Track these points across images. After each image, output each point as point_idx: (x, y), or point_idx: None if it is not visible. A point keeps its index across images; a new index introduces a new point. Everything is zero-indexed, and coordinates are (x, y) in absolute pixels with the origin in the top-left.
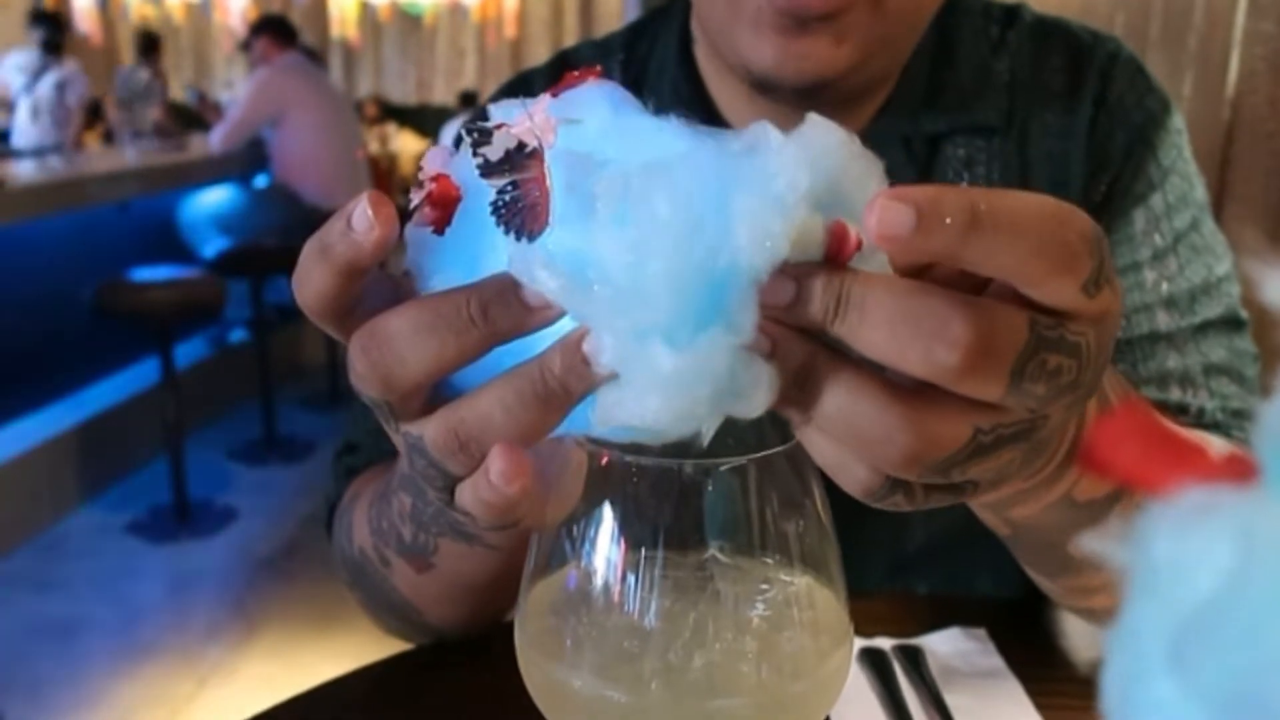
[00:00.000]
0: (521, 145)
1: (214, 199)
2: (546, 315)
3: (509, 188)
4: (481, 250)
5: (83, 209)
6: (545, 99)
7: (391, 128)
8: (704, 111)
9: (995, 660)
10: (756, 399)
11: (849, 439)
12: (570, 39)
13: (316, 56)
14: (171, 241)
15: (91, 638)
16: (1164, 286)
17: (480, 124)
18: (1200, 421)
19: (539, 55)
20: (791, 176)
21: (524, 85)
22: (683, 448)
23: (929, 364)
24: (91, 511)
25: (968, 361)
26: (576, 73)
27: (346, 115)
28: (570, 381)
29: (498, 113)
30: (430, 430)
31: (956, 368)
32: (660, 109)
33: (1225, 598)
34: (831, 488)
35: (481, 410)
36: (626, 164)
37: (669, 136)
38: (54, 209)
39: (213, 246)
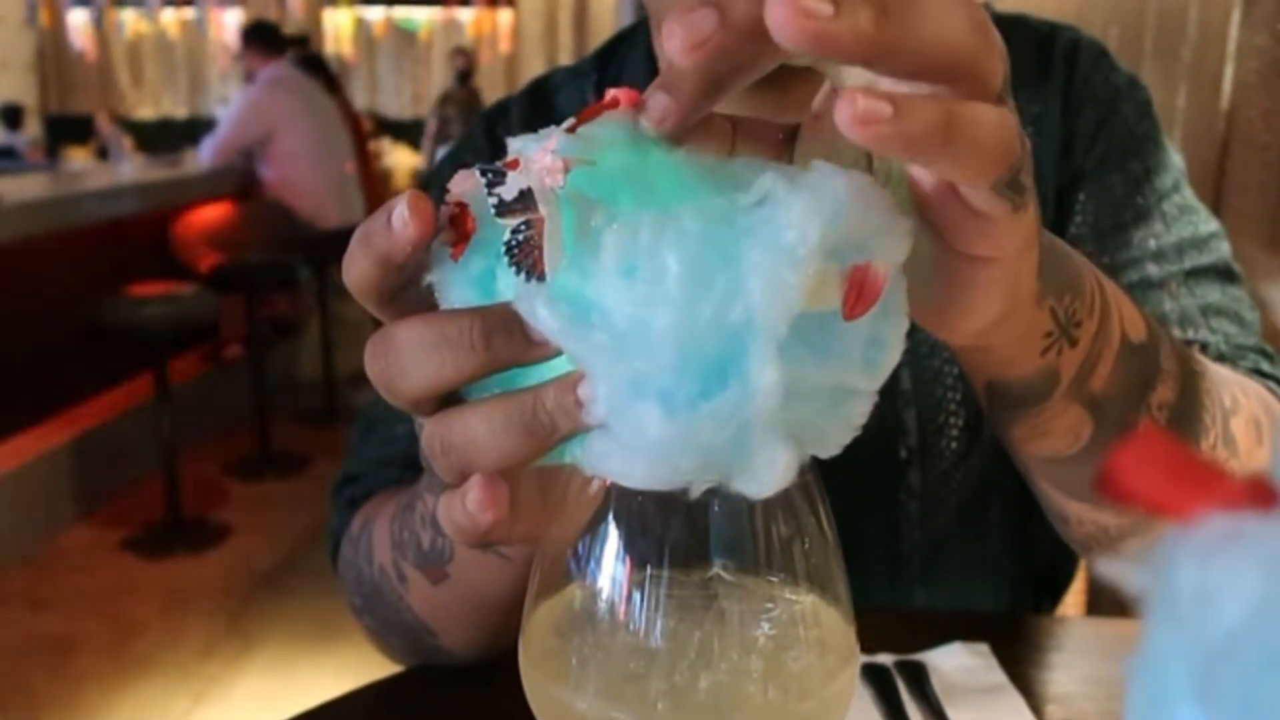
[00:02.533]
0: (540, 184)
1: (208, 215)
2: (546, 351)
3: (521, 227)
4: (495, 278)
5: (77, 225)
6: (559, 134)
7: (386, 142)
8: None
9: (998, 676)
10: (767, 479)
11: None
12: (564, 53)
13: (316, 63)
14: (165, 257)
15: (86, 655)
16: (1151, 243)
17: (495, 165)
18: (1205, 355)
19: (533, 69)
20: (801, 229)
21: (502, 114)
22: None
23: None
24: (86, 528)
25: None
26: (592, 108)
27: (338, 129)
28: (559, 419)
29: (515, 145)
30: (426, 430)
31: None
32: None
33: (1253, 626)
34: (830, 498)
35: (470, 425)
36: (636, 213)
37: (682, 178)
38: (50, 226)
39: (207, 263)
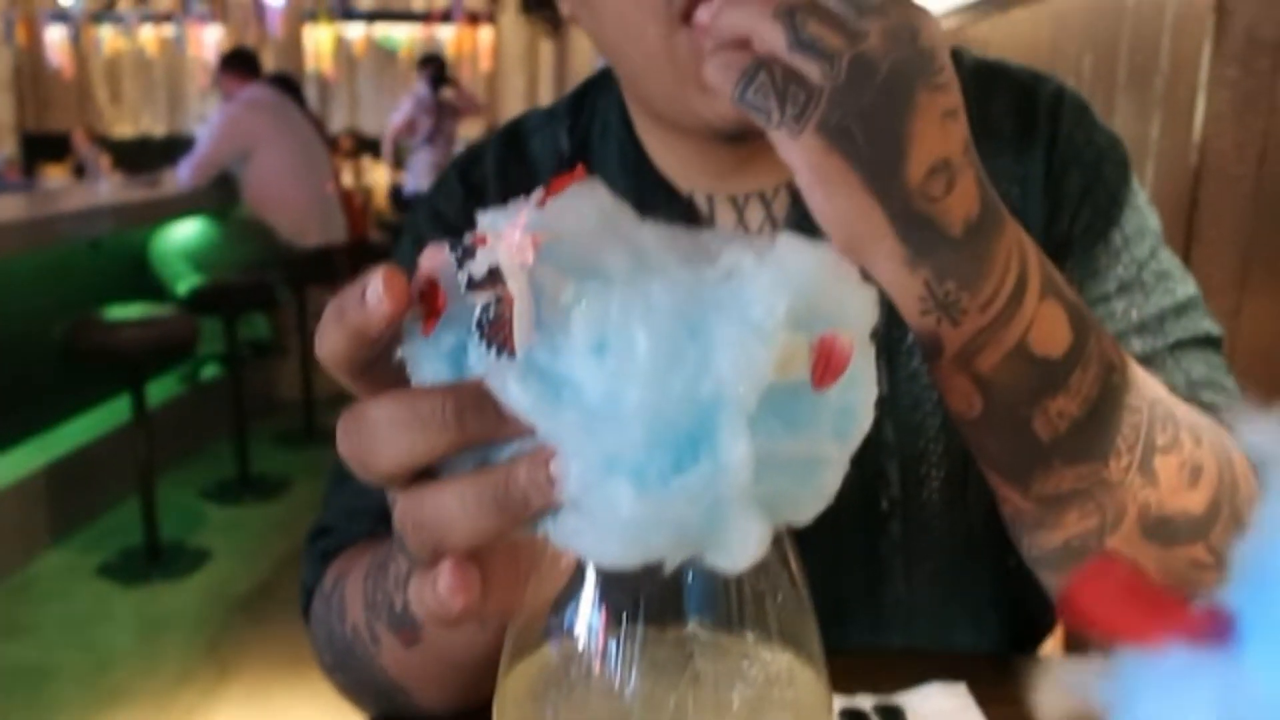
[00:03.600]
0: (512, 267)
1: (186, 234)
2: (519, 428)
3: (492, 304)
4: (466, 352)
5: (53, 246)
6: (528, 209)
7: (366, 160)
8: (648, 173)
9: (975, 716)
10: (741, 553)
11: None
12: (545, 72)
13: (293, 85)
14: (144, 278)
15: (61, 684)
16: (1134, 314)
17: (464, 243)
18: None
19: (514, 87)
20: (769, 303)
21: (476, 160)
22: None
23: None
24: (61, 554)
25: None
26: (560, 180)
27: (317, 149)
28: (532, 495)
29: (485, 220)
30: (398, 506)
31: None
32: (609, 174)
33: None
34: (806, 549)
35: (442, 502)
36: (605, 289)
37: (650, 250)
38: (24, 247)
39: (186, 283)
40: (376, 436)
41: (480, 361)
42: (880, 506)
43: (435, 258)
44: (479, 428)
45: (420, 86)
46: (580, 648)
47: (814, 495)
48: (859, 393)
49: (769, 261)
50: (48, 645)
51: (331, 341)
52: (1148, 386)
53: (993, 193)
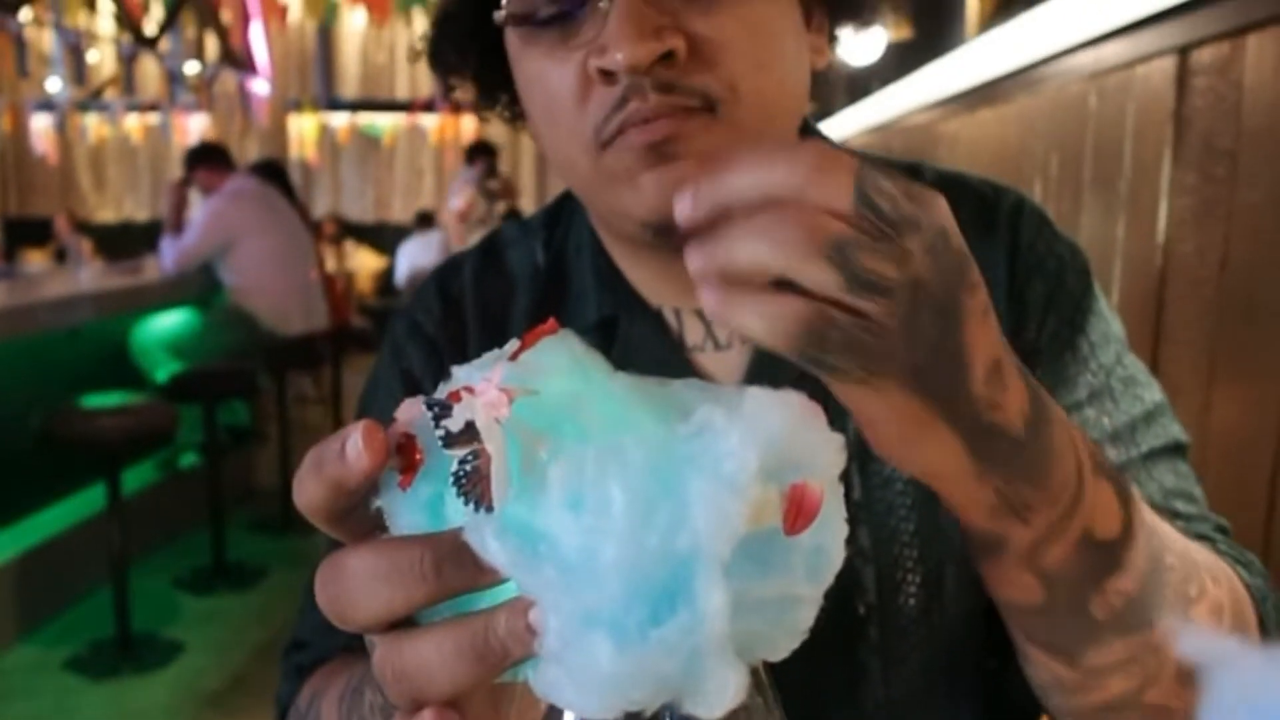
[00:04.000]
0: (488, 425)
1: (167, 322)
2: (496, 579)
3: (469, 458)
4: (444, 502)
5: (33, 334)
6: (503, 364)
7: (349, 245)
8: (621, 286)
9: None
10: (718, 701)
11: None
12: (526, 158)
13: (279, 171)
14: (123, 365)
15: None
16: (1105, 422)
17: (440, 399)
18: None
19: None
20: (740, 457)
21: (454, 271)
22: None
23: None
24: (29, 647)
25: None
26: (532, 333)
27: (302, 236)
28: (511, 645)
29: (461, 374)
30: (377, 654)
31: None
32: (585, 287)
33: None
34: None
35: (421, 651)
36: (581, 445)
37: (623, 404)
38: (5, 335)
39: (165, 370)
40: (355, 588)
41: (458, 512)
42: (858, 612)
43: (412, 410)
44: (458, 579)
45: (469, 173)
46: None
47: (788, 633)
48: (830, 533)
49: (738, 416)
50: None
51: (310, 492)
52: (1170, 537)
53: (1029, 375)
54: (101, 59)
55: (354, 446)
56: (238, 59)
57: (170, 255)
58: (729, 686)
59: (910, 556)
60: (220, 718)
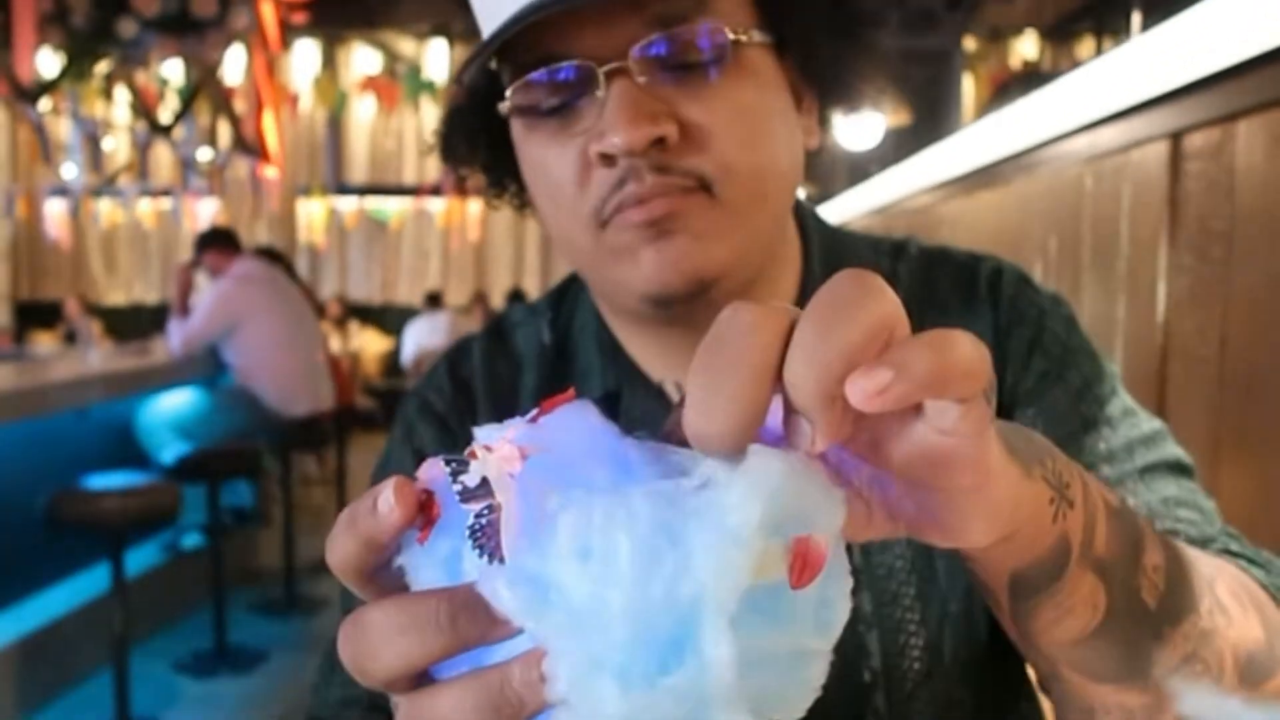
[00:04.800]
0: (501, 479)
1: (173, 403)
2: (510, 630)
3: (484, 512)
4: (461, 559)
5: (40, 415)
6: (519, 424)
7: (354, 325)
8: (624, 363)
9: None
10: None
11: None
12: (531, 239)
13: (279, 257)
14: (130, 445)
15: None
16: (1101, 446)
17: (459, 456)
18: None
19: (501, 257)
20: (744, 512)
21: (464, 353)
22: None
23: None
24: None
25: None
26: (551, 400)
27: (307, 318)
28: (526, 696)
29: (481, 434)
30: (400, 712)
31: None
32: (590, 364)
33: None
34: None
35: (441, 706)
36: (589, 497)
37: (630, 464)
38: (13, 417)
39: (171, 451)
40: (375, 641)
41: (474, 567)
42: (863, 678)
43: (431, 469)
44: (472, 630)
45: None
46: None
47: (801, 690)
48: (836, 584)
49: (742, 471)
50: None
51: (343, 549)
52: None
53: None
54: (117, 146)
55: (386, 501)
56: (250, 146)
57: (177, 337)
58: None
59: (912, 620)
60: None
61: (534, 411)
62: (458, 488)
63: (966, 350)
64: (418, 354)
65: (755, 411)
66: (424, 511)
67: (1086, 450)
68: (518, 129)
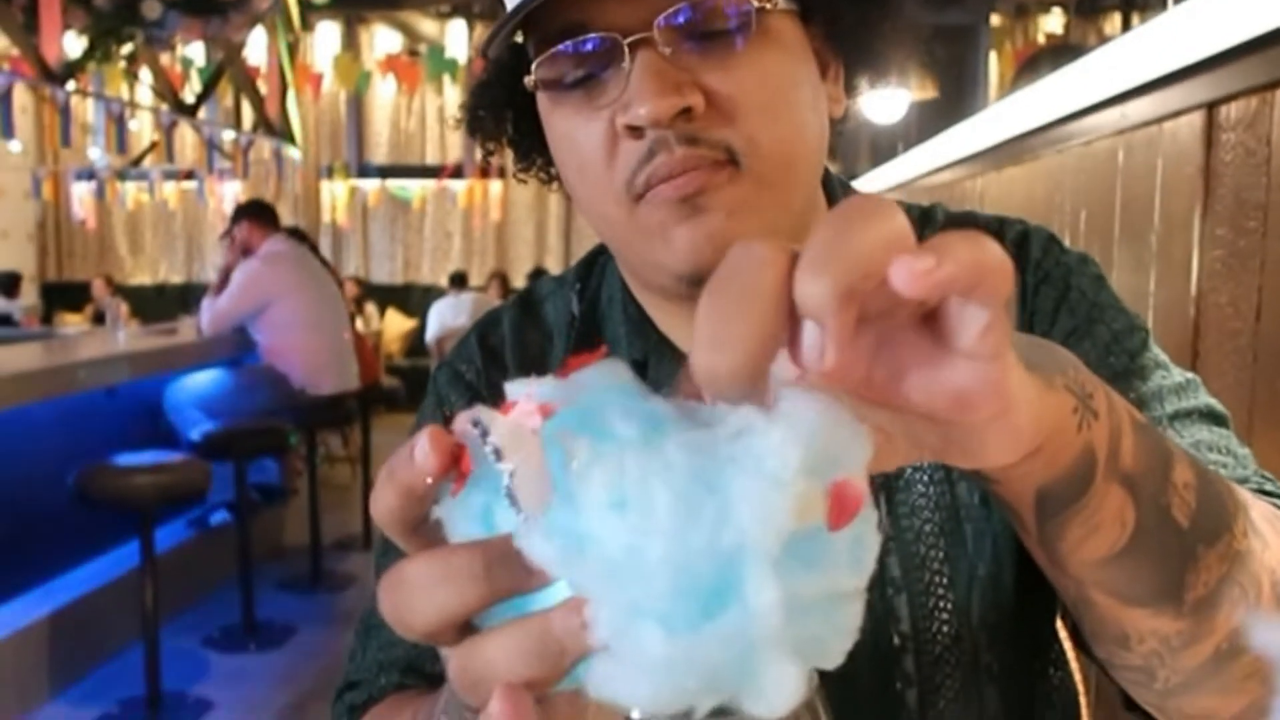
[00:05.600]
0: (519, 432)
1: (200, 382)
2: (546, 579)
3: (516, 469)
4: (493, 512)
5: (70, 394)
6: (548, 380)
7: (371, 306)
8: (652, 333)
9: None
10: (778, 698)
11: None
12: (553, 221)
13: (304, 236)
14: (157, 424)
15: None
16: (1130, 395)
17: (489, 411)
18: None
19: (523, 237)
20: (783, 455)
21: (494, 323)
22: None
23: None
24: (59, 706)
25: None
26: (582, 356)
27: (335, 297)
28: (567, 642)
29: (511, 390)
30: (451, 664)
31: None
32: (617, 335)
33: None
34: (826, 687)
35: (487, 654)
36: (622, 447)
37: (660, 418)
38: (42, 395)
39: (198, 429)
40: (413, 593)
41: (508, 521)
42: (892, 642)
43: (463, 424)
44: (507, 580)
45: None
46: None
47: (840, 633)
48: (865, 522)
49: (777, 415)
50: None
51: (384, 500)
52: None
53: None
54: (141, 128)
55: (421, 450)
56: (273, 127)
57: (206, 316)
58: (789, 683)
59: (940, 584)
60: None
61: (563, 367)
62: (489, 446)
63: (997, 250)
64: (441, 333)
65: (768, 344)
66: (456, 465)
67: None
68: (544, 102)
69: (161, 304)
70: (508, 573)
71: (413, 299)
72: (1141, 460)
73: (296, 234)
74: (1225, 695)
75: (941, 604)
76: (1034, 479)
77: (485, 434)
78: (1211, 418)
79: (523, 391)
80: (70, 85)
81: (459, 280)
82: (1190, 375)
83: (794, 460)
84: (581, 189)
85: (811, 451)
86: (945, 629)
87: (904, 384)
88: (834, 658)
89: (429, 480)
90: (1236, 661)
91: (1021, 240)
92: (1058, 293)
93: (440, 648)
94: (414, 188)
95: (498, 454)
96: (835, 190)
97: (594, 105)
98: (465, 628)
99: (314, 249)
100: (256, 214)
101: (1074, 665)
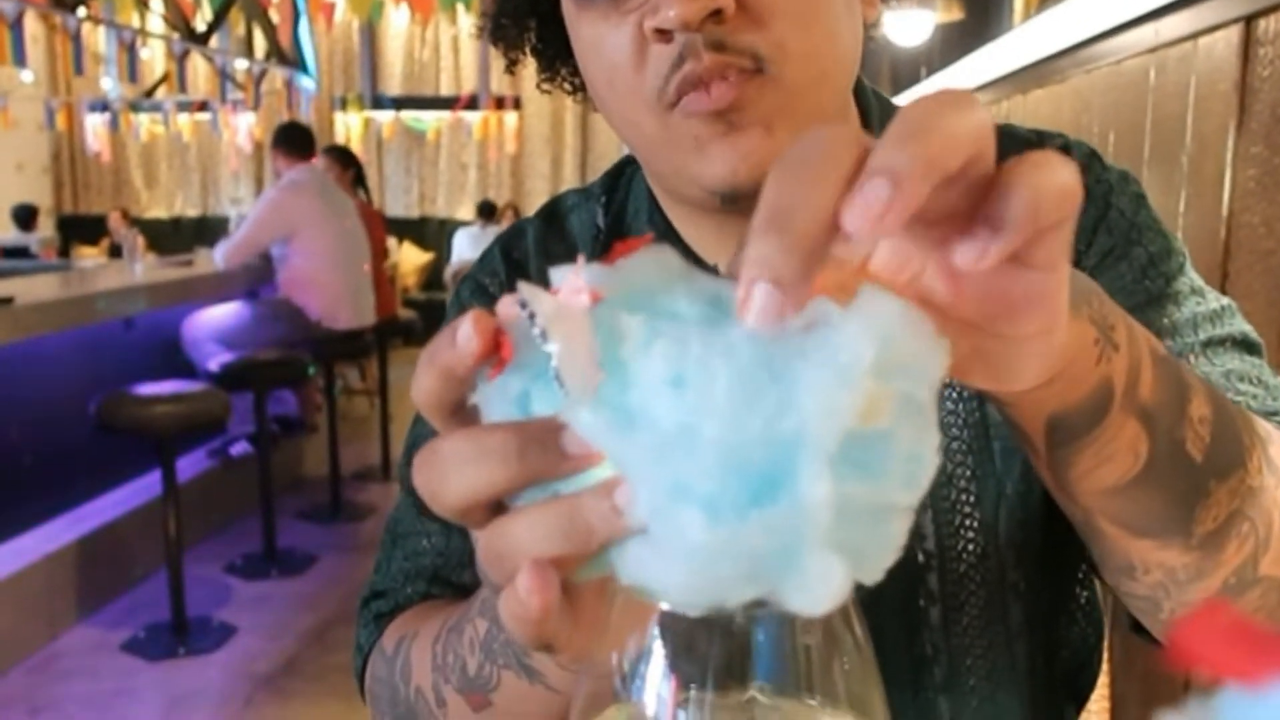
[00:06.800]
0: (566, 311)
1: (217, 315)
2: (579, 464)
3: (564, 348)
4: (531, 399)
5: (90, 325)
6: (595, 267)
7: (391, 240)
8: (678, 247)
9: None
10: (823, 592)
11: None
12: (569, 154)
13: (351, 159)
14: (175, 356)
15: None
16: (1164, 320)
17: (533, 294)
18: None
19: (539, 169)
20: (856, 350)
21: (518, 236)
22: None
23: None
24: (88, 629)
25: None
26: (628, 242)
27: (357, 230)
28: (596, 524)
29: (556, 275)
30: (479, 542)
31: None
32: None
33: None
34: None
35: (516, 532)
36: (685, 328)
37: (726, 302)
38: (62, 326)
39: (216, 360)
40: (447, 469)
41: (544, 407)
42: (917, 558)
43: (506, 307)
44: (541, 463)
45: None
46: (650, 707)
47: (884, 546)
48: (925, 440)
49: (854, 311)
50: None
51: (425, 384)
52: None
53: None
54: (153, 57)
55: (464, 333)
56: (286, 56)
57: (224, 248)
58: (835, 579)
59: (967, 501)
60: (272, 699)
61: (612, 254)
62: (536, 330)
63: (1074, 173)
64: (460, 266)
65: (833, 224)
66: (496, 350)
67: (1150, 324)
68: (569, 9)
69: (178, 237)
70: (542, 455)
71: (429, 232)
72: (1159, 394)
73: (343, 156)
74: None
75: (968, 521)
76: (1047, 406)
77: (532, 315)
78: (1245, 346)
79: (568, 276)
80: (80, 12)
81: (488, 211)
82: (1225, 301)
83: (867, 357)
84: (610, 98)
85: (886, 352)
86: (971, 546)
87: (960, 279)
88: (873, 572)
89: (469, 364)
90: (1243, 597)
91: (1062, 153)
92: (1097, 211)
93: (470, 529)
94: (428, 119)
95: (544, 335)
96: (869, 101)
97: (621, 9)
98: (496, 509)
99: (358, 175)
100: (286, 141)
101: (1100, 587)
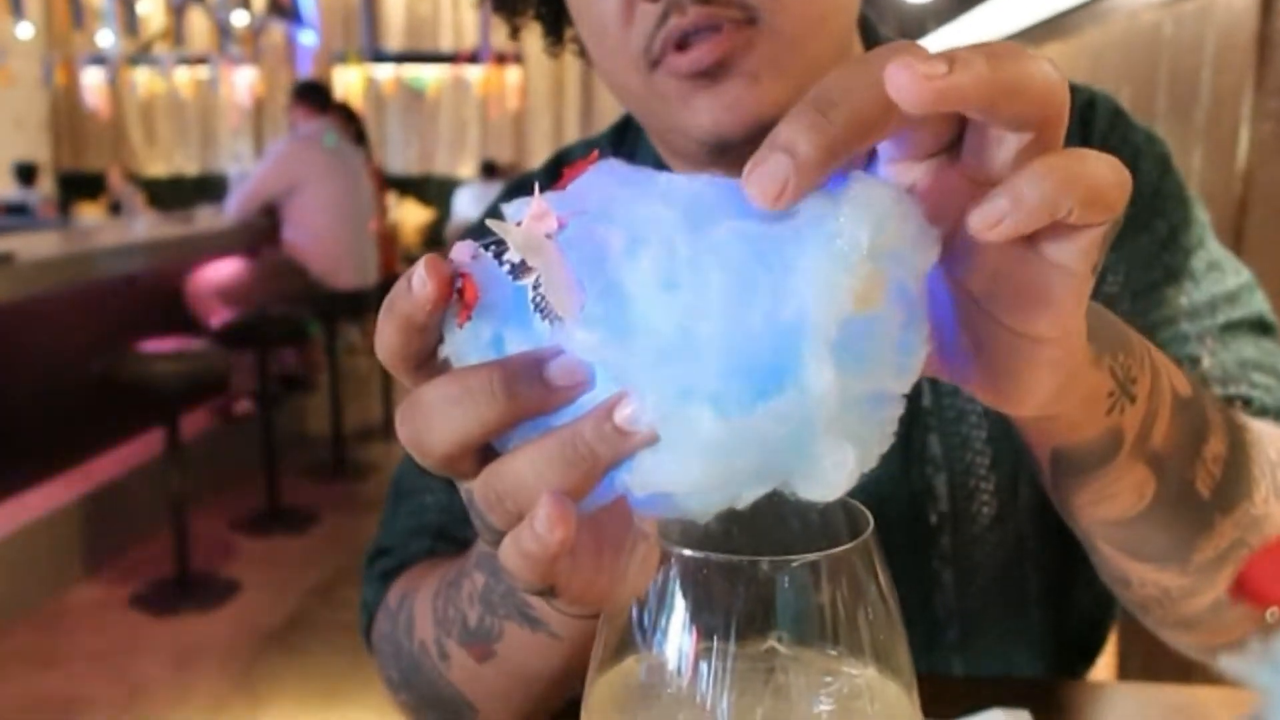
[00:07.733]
0: (535, 239)
1: (220, 272)
2: (568, 394)
3: (538, 282)
4: (504, 341)
5: (90, 282)
6: (547, 195)
7: (392, 198)
8: None
9: None
10: (836, 478)
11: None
12: (571, 111)
13: (352, 116)
14: (177, 313)
15: (92, 715)
16: (1183, 300)
17: (493, 237)
18: (1250, 411)
19: (541, 126)
20: (852, 235)
21: (523, 188)
22: (756, 542)
23: None
24: (93, 585)
25: None
26: (573, 166)
27: (363, 187)
28: (599, 448)
29: (509, 210)
30: (476, 487)
31: None
32: None
33: None
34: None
35: (516, 469)
36: (669, 231)
37: (703, 199)
38: (63, 283)
39: (218, 318)
40: (431, 416)
41: (521, 345)
42: (930, 520)
43: (464, 252)
44: (529, 396)
45: None
46: (670, 658)
47: (879, 433)
48: (915, 331)
49: (848, 195)
50: (79, 676)
51: (386, 337)
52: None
53: None
54: (151, 11)
55: (419, 277)
56: (285, 9)
57: (233, 200)
58: (847, 464)
59: (983, 464)
60: (278, 653)
61: (558, 180)
62: (505, 267)
63: (1121, 170)
64: (461, 224)
65: (864, 134)
66: (461, 296)
67: (1167, 302)
68: None
69: (178, 194)
70: (530, 388)
71: (429, 190)
72: (1174, 440)
73: (345, 113)
74: (1215, 634)
75: (983, 485)
76: (1052, 439)
77: (499, 253)
78: (1261, 328)
79: (522, 211)
80: None
81: (490, 170)
82: (1244, 277)
83: (863, 240)
84: (600, 55)
85: (880, 235)
86: (985, 510)
87: (981, 258)
88: (871, 459)
89: (429, 310)
90: (1232, 611)
91: (1087, 110)
92: None
93: (459, 480)
94: (429, 76)
95: (516, 271)
96: (874, 37)
97: None
98: (485, 455)
99: (360, 132)
100: (304, 95)
101: None
